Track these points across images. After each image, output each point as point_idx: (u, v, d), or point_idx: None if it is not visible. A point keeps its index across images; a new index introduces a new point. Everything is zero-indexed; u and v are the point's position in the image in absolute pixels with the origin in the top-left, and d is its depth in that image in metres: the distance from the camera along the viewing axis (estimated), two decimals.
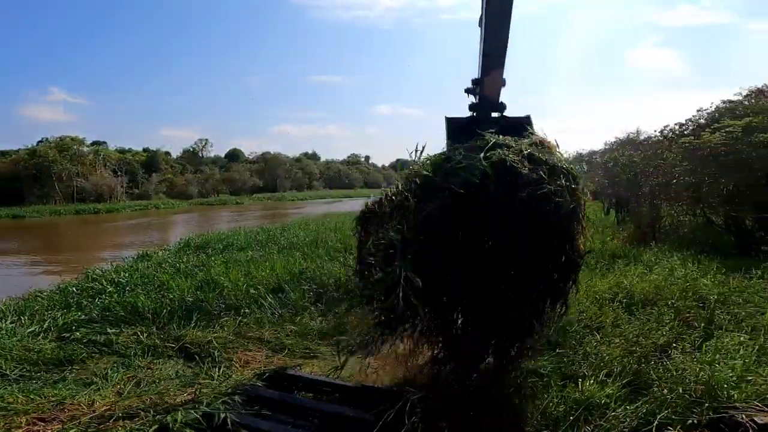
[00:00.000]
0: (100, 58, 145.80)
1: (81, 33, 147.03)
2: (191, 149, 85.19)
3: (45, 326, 6.64)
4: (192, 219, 37.61)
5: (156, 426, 3.40)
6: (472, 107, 3.94)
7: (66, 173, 54.46)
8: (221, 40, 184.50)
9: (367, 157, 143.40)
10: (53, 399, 4.33)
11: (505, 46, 3.25)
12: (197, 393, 3.99)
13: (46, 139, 62.39)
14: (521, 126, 3.48)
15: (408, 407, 3.05)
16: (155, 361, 5.72)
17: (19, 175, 52.72)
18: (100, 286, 8.53)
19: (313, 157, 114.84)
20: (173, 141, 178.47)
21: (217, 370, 5.47)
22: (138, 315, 7.12)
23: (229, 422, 3.50)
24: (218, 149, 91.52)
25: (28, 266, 16.16)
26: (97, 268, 10.88)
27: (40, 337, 6.29)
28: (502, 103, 3.78)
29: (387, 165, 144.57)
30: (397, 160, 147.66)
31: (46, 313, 7.26)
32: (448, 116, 4.03)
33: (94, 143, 66.52)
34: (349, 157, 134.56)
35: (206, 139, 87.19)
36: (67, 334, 6.38)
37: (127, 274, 9.46)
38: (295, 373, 4.79)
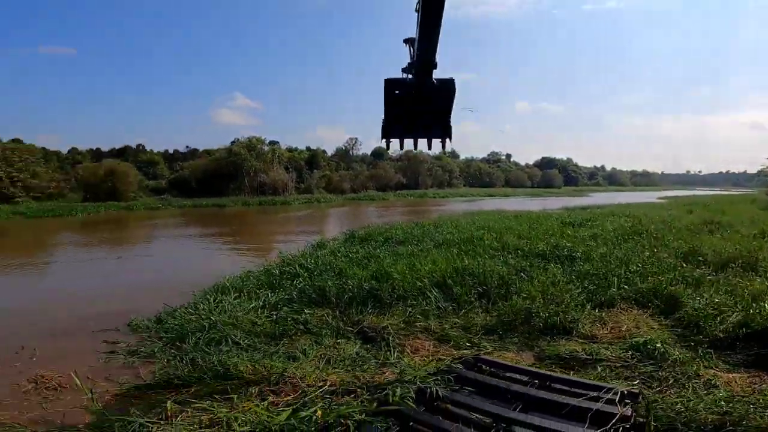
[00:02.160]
0: (268, 66, 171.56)
1: (253, 45, 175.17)
2: (343, 148, 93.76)
3: (260, 303, 7.92)
4: (345, 213, 41.45)
5: (374, 402, 3.82)
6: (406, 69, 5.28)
7: (253, 169, 65.81)
8: (356, 41, 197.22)
9: (509, 155, 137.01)
10: (275, 371, 5.07)
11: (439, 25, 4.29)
12: (401, 373, 4.39)
13: (237, 139, 76.15)
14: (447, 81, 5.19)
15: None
16: (339, 341, 6.45)
17: (220, 171, 65.72)
18: (294, 270, 10.00)
19: (453, 155, 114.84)
20: (327, 140, 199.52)
21: (391, 354, 5.93)
22: (325, 298, 8.13)
23: (441, 395, 3.84)
24: (364, 147, 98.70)
25: (228, 246, 20.06)
26: (288, 253, 12.86)
27: (258, 313, 7.50)
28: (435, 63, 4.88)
29: (531, 163, 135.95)
30: (543, 158, 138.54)
31: (259, 291, 8.68)
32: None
33: (270, 143, 77.61)
34: (489, 155, 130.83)
35: (356, 138, 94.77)
36: (275, 312, 7.52)
37: (312, 261, 10.90)
38: (492, 359, 4.99)
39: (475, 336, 6.51)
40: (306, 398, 4.14)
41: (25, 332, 7.68)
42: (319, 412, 3.67)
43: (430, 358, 5.67)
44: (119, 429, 3.79)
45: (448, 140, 5.73)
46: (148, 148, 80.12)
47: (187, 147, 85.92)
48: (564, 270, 9.10)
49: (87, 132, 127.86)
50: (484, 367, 4.71)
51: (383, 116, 5.56)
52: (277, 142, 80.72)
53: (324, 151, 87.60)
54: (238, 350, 6.01)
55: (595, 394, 3.75)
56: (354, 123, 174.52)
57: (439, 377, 4.26)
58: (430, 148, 6.33)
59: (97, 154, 74.93)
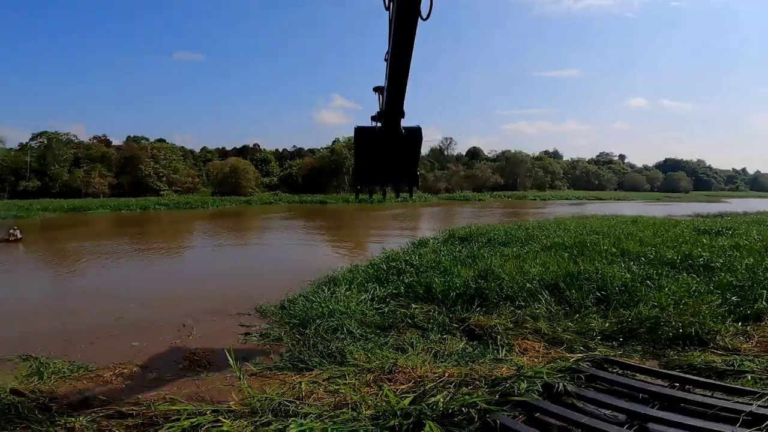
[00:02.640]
0: (364, 67, 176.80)
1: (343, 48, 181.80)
2: (438, 147, 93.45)
3: (369, 296, 8.33)
4: (440, 212, 41.36)
5: (497, 394, 3.88)
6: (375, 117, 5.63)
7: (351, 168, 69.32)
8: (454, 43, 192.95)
9: (622, 156, 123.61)
10: (388, 360, 5.26)
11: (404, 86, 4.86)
12: (519, 369, 4.39)
13: (337, 139, 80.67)
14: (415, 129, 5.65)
15: None
16: (444, 337, 6.56)
17: (323, 169, 70.40)
18: (400, 266, 10.39)
19: (555, 155, 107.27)
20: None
21: (500, 352, 5.87)
22: (431, 295, 8.29)
23: (569, 390, 3.82)
24: (459, 147, 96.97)
25: (330, 240, 21.46)
26: (391, 249, 13.36)
27: (367, 305, 7.88)
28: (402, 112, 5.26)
29: (650, 165, 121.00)
30: (666, 159, 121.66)
31: (367, 284, 9.13)
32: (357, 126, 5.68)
33: None
34: (598, 155, 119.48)
35: (450, 138, 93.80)
36: (383, 305, 7.84)
37: (417, 258, 11.21)
38: (622, 360, 4.76)
39: (590, 340, 6.16)
40: (424, 387, 4.28)
41: (179, 312, 8.84)
42: (442, 400, 3.84)
43: (541, 359, 5.53)
44: (261, 406, 4.10)
45: (415, 187, 6.27)
46: (262, 148, 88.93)
47: (294, 146, 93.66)
48: (700, 280, 8.10)
49: (214, 132, 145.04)
50: (611, 368, 4.47)
51: (354, 163, 6.08)
52: None
53: None
54: (351, 339, 6.39)
55: (745, 399, 3.45)
56: (447, 122, 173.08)
57: (567, 375, 4.18)
58: (397, 196, 6.73)
59: (222, 153, 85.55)
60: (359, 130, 5.73)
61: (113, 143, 70.51)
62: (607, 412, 3.49)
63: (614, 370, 4.46)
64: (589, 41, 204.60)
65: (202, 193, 62.72)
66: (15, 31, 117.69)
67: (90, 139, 69.90)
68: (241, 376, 4.93)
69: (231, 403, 4.31)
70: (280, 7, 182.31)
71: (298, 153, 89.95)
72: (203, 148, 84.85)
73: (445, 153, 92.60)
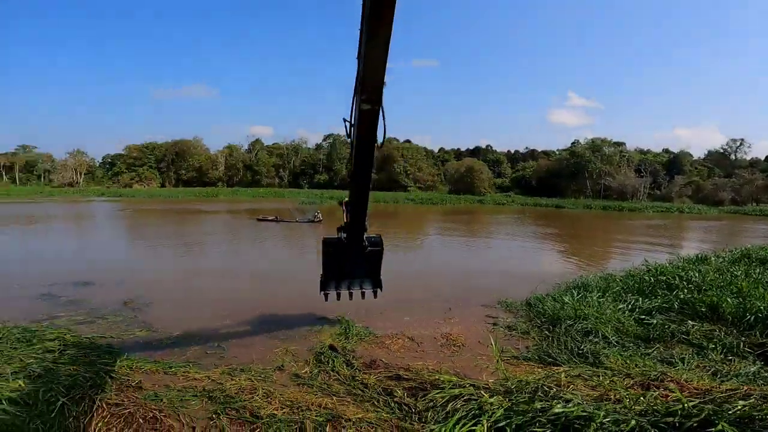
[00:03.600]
0: (606, 64, 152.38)
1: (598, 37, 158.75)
2: (720, 150, 72.76)
3: (628, 306, 7.78)
4: (718, 227, 32.37)
5: None
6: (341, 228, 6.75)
7: (596, 171, 62.34)
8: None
9: None
10: (652, 369, 4.92)
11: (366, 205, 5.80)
12: None
13: (577, 140, 73.53)
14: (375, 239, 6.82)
15: None
16: (730, 358, 5.63)
17: (560, 172, 65.92)
18: (671, 281, 9.16)
19: None
20: (690, 141, 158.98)
21: None
22: (716, 314, 7.11)
23: None
24: (754, 150, 72.53)
25: (565, 246, 20.06)
26: (655, 262, 11.81)
27: (625, 314, 7.40)
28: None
29: None
30: None
31: (625, 295, 8.52)
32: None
33: (615, 144, 70.82)
34: None
35: (741, 140, 71.32)
36: (646, 317, 7.22)
37: (696, 274, 9.62)
38: None
39: None
40: (710, 396, 3.87)
41: (438, 295, 9.73)
42: (741, 405, 3.48)
43: None
44: (517, 387, 4.39)
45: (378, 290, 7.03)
46: (494, 149, 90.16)
47: (526, 148, 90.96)
48: None
49: (447, 133, 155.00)
50: None
51: (322, 269, 6.71)
52: (623, 144, 72.59)
53: (689, 154, 71.47)
54: (605, 344, 6.24)
55: None
56: (733, 121, 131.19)
57: None
58: (363, 297, 7.06)
59: (457, 154, 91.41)
60: (327, 241, 6.55)
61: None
62: None
63: None
64: None
65: (440, 190, 68.90)
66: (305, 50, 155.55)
67: None
68: (499, 360, 5.35)
69: (490, 381, 4.75)
70: (520, 8, 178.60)
71: (531, 155, 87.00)
72: (440, 149, 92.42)
73: (733, 157, 71.48)
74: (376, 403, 4.59)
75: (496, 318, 8.06)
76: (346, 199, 6.31)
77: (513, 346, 6.58)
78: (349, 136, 5.15)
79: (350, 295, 6.95)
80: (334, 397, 4.67)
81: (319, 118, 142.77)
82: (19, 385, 4.32)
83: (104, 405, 4.23)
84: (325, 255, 6.58)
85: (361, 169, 5.20)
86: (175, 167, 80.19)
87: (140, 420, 4.02)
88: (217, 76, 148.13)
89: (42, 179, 78.22)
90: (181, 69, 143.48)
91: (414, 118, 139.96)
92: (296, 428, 3.97)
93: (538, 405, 3.81)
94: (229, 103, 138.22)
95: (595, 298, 8.33)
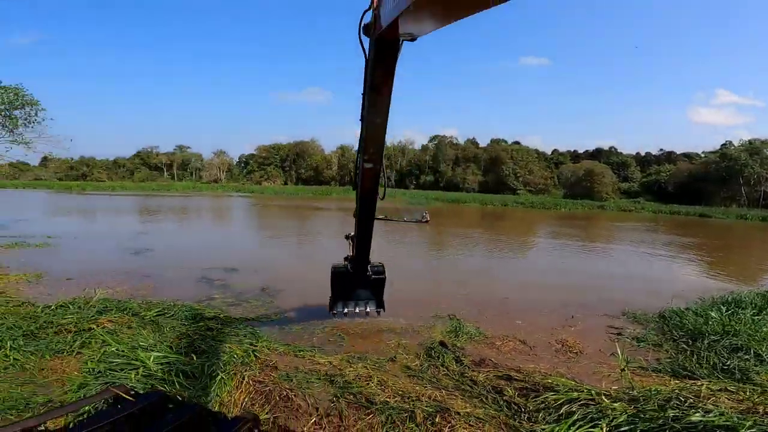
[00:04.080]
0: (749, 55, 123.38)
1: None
2: None
3: None
4: None
5: None
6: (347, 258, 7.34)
7: (755, 177, 51.94)
8: None
9: None
10: None
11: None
12: None
13: (729, 142, 61.88)
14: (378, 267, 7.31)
15: None
16: None
17: (705, 177, 56.33)
18: None
19: None
20: None
21: None
22: None
23: None
24: None
25: (706, 261, 17.00)
26: None
27: None
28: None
29: None
30: None
31: None
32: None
33: None
34: None
35: None
36: None
37: None
38: None
39: None
40: None
41: (553, 300, 9.61)
42: None
43: None
44: (643, 395, 4.20)
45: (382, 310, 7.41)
46: (619, 150, 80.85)
47: (660, 150, 79.63)
48: None
49: (560, 133, 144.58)
50: None
51: (331, 293, 7.26)
52: None
53: None
54: (757, 361, 5.66)
55: None
56: None
57: None
58: (366, 315, 7.43)
59: (574, 156, 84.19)
60: (335, 270, 7.18)
61: (480, 145, 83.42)
62: None
63: None
64: None
65: (553, 194, 64.23)
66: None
67: (465, 142, 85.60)
68: (626, 368, 5.13)
69: (612, 388, 4.56)
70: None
71: (667, 157, 75.85)
72: (554, 151, 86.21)
73: None
74: (484, 399, 4.67)
75: (620, 329, 7.75)
76: (352, 233, 6.99)
77: (642, 358, 6.27)
78: (354, 186, 5.98)
79: (354, 313, 7.43)
80: (443, 391, 4.82)
81: (425, 118, 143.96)
82: (192, 359, 5.24)
83: (250, 381, 4.82)
84: (333, 280, 7.21)
85: (365, 214, 5.96)
86: (296, 166, 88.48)
87: (277, 397, 4.54)
88: (329, 79, 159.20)
89: (193, 176, 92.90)
90: (300, 73, 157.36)
91: (522, 119, 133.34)
92: (407, 417, 4.17)
93: (670, 413, 3.66)
94: (340, 104, 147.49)
95: (749, 315, 7.63)
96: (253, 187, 73.76)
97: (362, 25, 4.84)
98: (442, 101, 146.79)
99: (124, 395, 3.65)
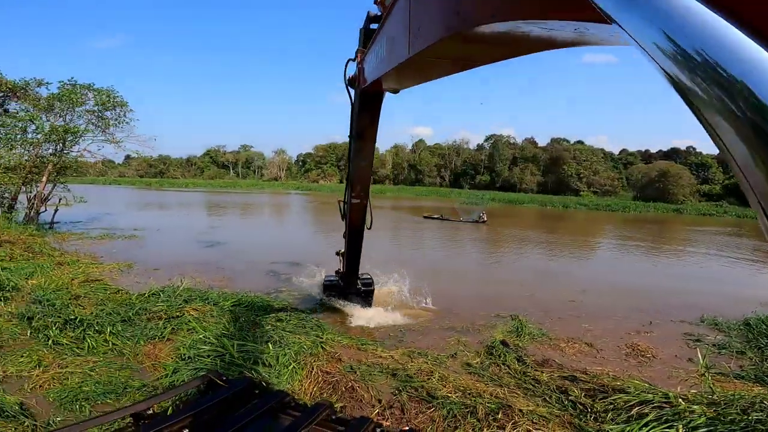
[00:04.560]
0: None
1: None
2: None
3: None
4: None
5: None
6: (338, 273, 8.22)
7: None
8: None
9: None
10: None
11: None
12: None
13: None
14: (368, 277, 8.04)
15: None
16: None
17: None
18: None
19: None
20: None
21: None
22: None
23: None
24: None
25: None
26: None
27: None
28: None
29: None
30: None
31: None
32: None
33: None
34: None
35: None
36: None
37: None
38: None
39: None
40: None
41: (622, 305, 9.63)
42: None
43: None
44: (724, 399, 4.06)
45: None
46: (698, 150, 73.90)
47: None
48: None
49: (630, 132, 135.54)
50: None
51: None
52: None
53: None
54: None
55: None
56: None
57: None
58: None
59: (646, 156, 78.10)
60: (326, 284, 8.10)
61: (539, 144, 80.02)
62: None
63: None
64: None
65: (622, 196, 60.14)
66: None
67: (522, 141, 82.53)
68: (706, 373, 4.97)
69: (690, 392, 4.44)
70: None
71: None
72: (623, 150, 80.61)
73: None
74: (547, 399, 4.67)
75: (698, 335, 7.53)
76: (342, 250, 7.64)
77: (724, 363, 6.06)
78: (343, 216, 6.75)
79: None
80: (505, 388, 4.84)
81: (481, 118, 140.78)
82: (268, 348, 5.60)
83: (319, 372, 5.09)
84: (325, 291, 8.21)
85: (354, 239, 6.69)
86: None
87: (342, 388, 4.77)
88: None
89: (256, 174, 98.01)
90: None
91: (586, 118, 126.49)
92: (468, 412, 4.21)
93: (753, 416, 3.61)
94: (393, 103, 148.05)
95: None
96: (310, 185, 76.44)
97: (347, 76, 5.27)
98: (499, 101, 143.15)
99: (218, 381, 4.03)
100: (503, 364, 5.67)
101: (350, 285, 7.79)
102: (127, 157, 75.54)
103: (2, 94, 16.38)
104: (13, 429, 3.55)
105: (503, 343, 6.41)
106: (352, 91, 5.40)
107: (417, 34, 2.00)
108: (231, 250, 14.31)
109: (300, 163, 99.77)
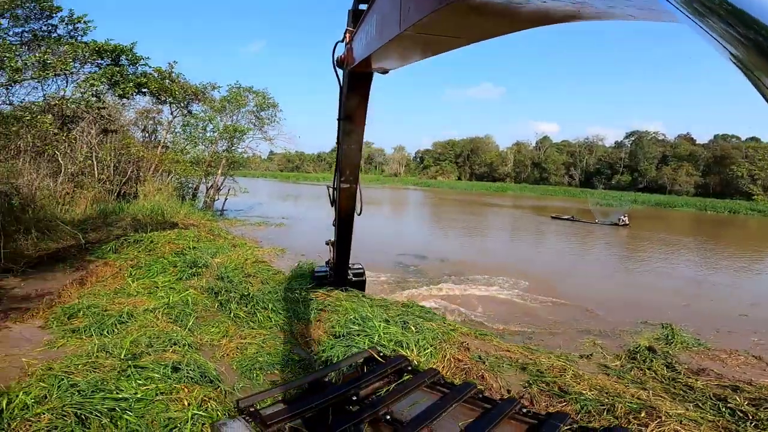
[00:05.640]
0: None
1: None
2: None
3: None
4: None
5: None
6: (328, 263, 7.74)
7: None
8: None
9: None
10: None
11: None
12: None
13: None
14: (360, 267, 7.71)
15: None
16: None
17: None
18: None
19: None
20: None
21: None
22: None
23: None
24: None
25: None
26: None
27: None
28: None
29: None
30: None
31: None
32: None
33: None
34: None
35: None
36: None
37: None
38: None
39: None
40: None
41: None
42: None
43: None
44: None
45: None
46: None
47: None
48: None
49: None
50: None
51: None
52: None
53: None
54: None
55: None
56: None
57: None
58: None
59: None
60: (316, 275, 7.75)
61: (697, 141, 67.63)
62: None
63: None
64: None
65: None
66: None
67: (676, 138, 70.64)
68: None
69: None
70: None
71: None
72: None
73: None
74: (700, 405, 4.41)
75: None
76: (332, 240, 7.27)
77: None
78: (332, 203, 6.43)
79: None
80: (649, 392, 4.62)
81: (616, 113, 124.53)
82: (410, 331, 5.95)
83: (452, 358, 5.27)
84: (316, 282, 7.78)
85: (344, 227, 6.45)
86: (470, 162, 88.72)
87: (474, 375, 4.92)
88: (503, 75, 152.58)
89: (377, 169, 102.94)
90: (475, 70, 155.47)
91: (742, 112, 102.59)
92: (604, 409, 4.02)
93: None
94: (513, 100, 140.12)
95: None
96: (428, 182, 77.33)
97: (335, 57, 4.97)
98: (641, 93, 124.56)
99: (377, 357, 4.58)
100: (648, 369, 5.43)
101: (341, 276, 7.45)
102: (271, 152, 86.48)
103: (188, 97, 19.80)
104: (211, 392, 4.02)
105: (650, 349, 6.12)
106: (341, 73, 5.29)
107: (408, 8, 1.99)
108: (361, 240, 15.35)
109: (418, 159, 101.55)
